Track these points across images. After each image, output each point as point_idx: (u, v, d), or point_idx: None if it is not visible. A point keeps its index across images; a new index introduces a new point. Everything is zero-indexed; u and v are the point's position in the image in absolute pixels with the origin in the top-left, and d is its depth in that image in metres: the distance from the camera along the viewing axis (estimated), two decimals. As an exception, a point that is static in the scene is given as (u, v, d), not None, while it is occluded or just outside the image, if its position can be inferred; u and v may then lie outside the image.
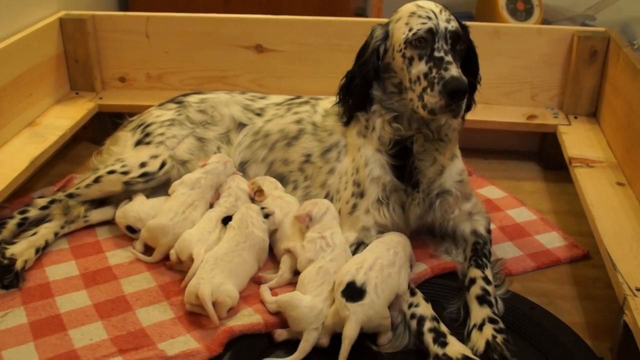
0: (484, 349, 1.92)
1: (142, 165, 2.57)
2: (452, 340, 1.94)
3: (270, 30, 3.32)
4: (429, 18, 2.20)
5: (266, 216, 2.35)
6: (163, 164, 2.59)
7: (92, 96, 3.38)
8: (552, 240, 2.59)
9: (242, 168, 2.71)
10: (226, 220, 2.36)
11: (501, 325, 2.00)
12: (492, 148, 3.37)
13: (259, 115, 2.78)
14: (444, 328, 1.99)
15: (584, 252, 2.51)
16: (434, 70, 2.14)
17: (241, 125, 2.77)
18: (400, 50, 2.24)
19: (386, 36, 2.33)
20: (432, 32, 2.18)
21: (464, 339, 1.99)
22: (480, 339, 1.96)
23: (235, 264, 2.17)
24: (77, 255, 2.41)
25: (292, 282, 2.21)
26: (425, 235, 2.48)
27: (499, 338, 1.94)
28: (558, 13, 4.11)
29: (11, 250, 2.29)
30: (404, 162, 2.33)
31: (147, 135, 2.67)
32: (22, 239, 2.38)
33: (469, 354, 1.88)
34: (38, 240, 2.38)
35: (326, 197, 2.48)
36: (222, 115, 2.77)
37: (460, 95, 2.10)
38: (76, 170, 3.06)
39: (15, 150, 2.76)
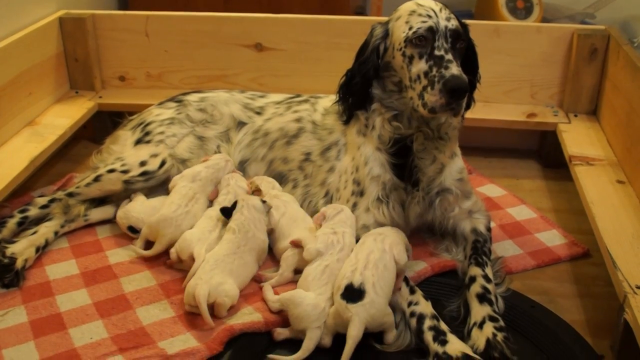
0: (484, 347, 1.92)
1: (142, 164, 2.57)
2: (452, 338, 1.94)
3: (270, 29, 3.32)
4: (429, 16, 2.20)
5: (268, 210, 2.35)
6: (163, 163, 2.59)
7: (92, 95, 3.38)
8: (552, 238, 2.59)
9: (242, 167, 2.71)
10: (225, 210, 2.35)
11: (501, 323, 2.00)
12: (492, 146, 3.37)
13: (258, 113, 2.78)
14: (444, 326, 1.99)
15: (584, 250, 2.51)
16: (435, 69, 2.14)
17: (241, 124, 2.77)
18: (401, 49, 2.24)
19: (386, 35, 2.32)
20: (432, 31, 2.18)
21: (464, 337, 1.99)
22: (480, 337, 1.96)
23: (236, 265, 2.17)
24: (77, 254, 2.41)
25: (293, 281, 2.21)
26: (425, 234, 2.48)
27: (499, 336, 1.94)
28: (558, 11, 4.10)
29: (11, 249, 2.29)
30: (403, 160, 2.33)
31: (147, 134, 2.67)
32: (23, 237, 2.38)
33: (469, 352, 1.88)
34: (38, 239, 2.38)
35: (326, 195, 2.48)
36: (222, 113, 2.77)
37: (460, 93, 2.10)
38: (76, 169, 3.06)
39: (15, 149, 2.76)
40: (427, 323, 1.99)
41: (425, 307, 2.05)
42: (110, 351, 1.95)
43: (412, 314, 2.03)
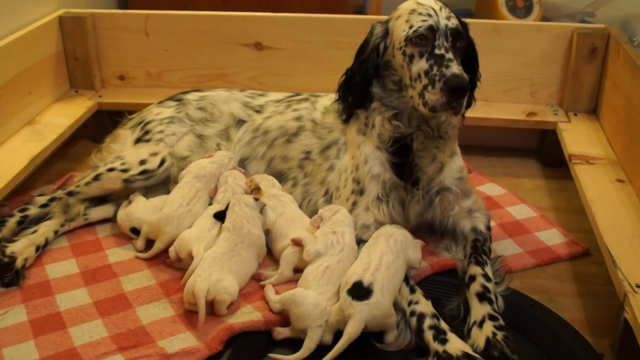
0: (484, 346, 1.92)
1: (142, 162, 2.57)
2: (452, 337, 1.94)
3: (269, 28, 3.32)
4: (430, 15, 2.20)
5: (261, 208, 2.35)
6: (162, 162, 2.59)
7: (92, 94, 3.38)
8: (552, 237, 2.59)
9: (242, 165, 2.71)
10: (217, 215, 2.36)
11: (501, 322, 2.00)
12: (492, 145, 3.37)
13: (258, 112, 2.78)
14: (444, 325, 1.99)
15: (584, 248, 2.51)
16: (435, 68, 2.14)
17: (240, 122, 2.77)
18: (401, 48, 2.24)
19: (386, 34, 2.32)
20: (432, 30, 2.18)
21: (464, 336, 1.99)
22: (480, 336, 1.96)
23: (234, 262, 2.17)
24: (77, 253, 2.41)
25: (293, 280, 2.20)
26: (425, 233, 2.48)
27: (499, 335, 1.94)
28: (557, 10, 4.10)
29: (11, 248, 2.29)
30: (403, 159, 2.33)
31: (147, 132, 2.67)
32: (22, 237, 2.38)
33: (469, 351, 1.88)
34: (38, 238, 2.38)
35: (325, 194, 2.48)
36: (222, 112, 2.77)
37: (461, 92, 2.09)
38: (76, 168, 3.06)
39: (14, 148, 2.76)
40: (428, 322, 1.99)
41: (425, 306, 2.05)
42: (110, 350, 1.95)
43: (413, 313, 2.03)
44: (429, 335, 1.95)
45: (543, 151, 3.29)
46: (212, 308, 2.07)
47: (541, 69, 3.25)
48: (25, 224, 2.47)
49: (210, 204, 2.52)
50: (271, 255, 2.38)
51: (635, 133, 2.57)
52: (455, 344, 1.91)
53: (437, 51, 2.16)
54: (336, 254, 2.15)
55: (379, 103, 2.35)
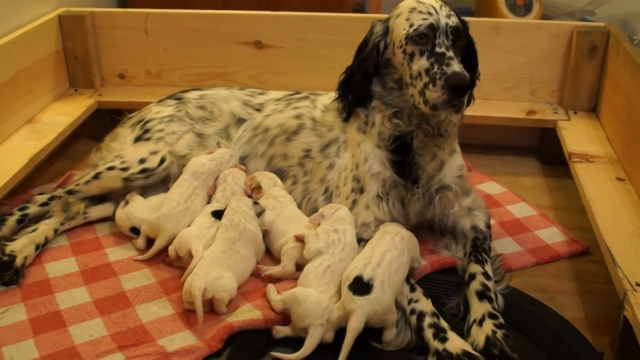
0: (484, 344, 1.92)
1: (142, 161, 2.56)
2: (452, 335, 1.94)
3: (269, 27, 3.32)
4: (430, 14, 2.20)
5: (259, 214, 2.35)
6: (162, 160, 2.58)
7: (92, 93, 3.38)
8: (552, 236, 2.59)
9: (242, 163, 2.71)
10: (216, 213, 2.36)
11: (501, 320, 2.00)
12: (492, 143, 3.37)
13: (258, 110, 2.78)
14: (444, 323, 1.99)
15: (584, 247, 2.51)
16: (436, 66, 2.14)
17: (240, 121, 2.77)
18: (401, 46, 2.24)
19: (386, 32, 2.32)
20: (433, 28, 2.18)
21: (464, 334, 1.99)
22: (480, 335, 1.96)
23: (233, 260, 2.17)
24: (77, 251, 2.41)
25: (294, 279, 2.20)
26: (424, 231, 2.48)
27: (499, 333, 1.94)
28: (557, 8, 4.10)
29: (11, 246, 2.29)
30: (403, 157, 2.33)
31: (147, 131, 2.67)
32: (22, 235, 2.38)
33: (469, 349, 1.88)
34: (38, 236, 2.38)
35: (325, 192, 2.48)
36: (222, 110, 2.77)
37: (462, 90, 2.10)
38: (75, 166, 3.06)
39: (14, 147, 2.76)
40: (427, 320, 1.99)
41: (425, 304, 2.05)
42: (110, 349, 1.95)
43: (413, 312, 2.03)
44: (429, 333, 1.95)
45: (543, 149, 3.29)
46: (211, 307, 2.07)
47: (541, 67, 3.24)
48: (25, 222, 2.47)
49: (209, 202, 2.52)
50: (269, 255, 2.37)
51: (635, 131, 2.57)
52: (455, 342, 1.91)
53: (437, 49, 2.16)
54: (337, 252, 2.14)
55: (379, 101, 2.35)
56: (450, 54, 2.15)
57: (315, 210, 2.40)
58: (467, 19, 2.39)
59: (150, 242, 2.41)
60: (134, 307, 2.13)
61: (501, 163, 3.24)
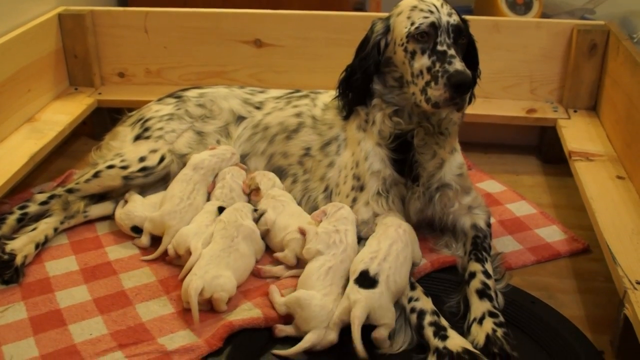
0: (484, 343, 1.92)
1: (141, 159, 2.56)
2: (452, 333, 1.94)
3: (269, 25, 3.31)
4: (431, 12, 2.20)
5: (258, 218, 2.35)
6: (162, 159, 2.58)
7: (91, 91, 3.38)
8: (552, 234, 2.59)
9: (242, 161, 2.71)
10: (222, 209, 2.37)
11: (501, 319, 2.00)
12: (492, 142, 3.37)
13: (258, 108, 2.77)
14: (444, 322, 1.99)
15: (584, 245, 2.51)
16: (438, 64, 2.14)
17: (240, 119, 2.76)
18: (402, 44, 2.24)
19: (387, 30, 2.32)
20: (434, 26, 2.18)
21: (464, 332, 1.99)
22: (480, 333, 1.96)
23: (233, 258, 2.16)
24: (77, 250, 2.41)
25: (295, 277, 2.20)
26: (425, 229, 2.48)
27: (499, 332, 1.94)
28: (557, 7, 4.10)
29: (11, 245, 2.29)
30: (404, 155, 2.33)
31: (146, 129, 2.67)
32: (22, 234, 2.38)
33: (469, 347, 1.88)
34: (38, 235, 2.38)
35: (325, 190, 2.48)
36: (221, 109, 2.77)
37: (465, 88, 2.10)
38: (75, 165, 3.06)
39: (14, 146, 2.76)
40: (428, 319, 1.99)
41: (425, 303, 2.05)
42: (110, 347, 1.95)
43: (413, 310, 2.03)
44: (429, 331, 1.95)
45: (543, 148, 3.29)
46: (211, 306, 2.07)
47: (541, 65, 3.24)
48: (25, 221, 2.47)
49: (208, 199, 2.52)
50: (269, 254, 2.37)
51: (635, 130, 2.57)
52: (455, 341, 1.91)
53: (439, 47, 2.16)
54: (339, 254, 2.14)
55: (380, 99, 2.35)
56: (452, 52, 2.15)
57: (315, 208, 2.40)
58: (467, 17, 2.39)
59: (153, 239, 2.41)
60: (134, 305, 2.13)
61: (501, 161, 3.24)
